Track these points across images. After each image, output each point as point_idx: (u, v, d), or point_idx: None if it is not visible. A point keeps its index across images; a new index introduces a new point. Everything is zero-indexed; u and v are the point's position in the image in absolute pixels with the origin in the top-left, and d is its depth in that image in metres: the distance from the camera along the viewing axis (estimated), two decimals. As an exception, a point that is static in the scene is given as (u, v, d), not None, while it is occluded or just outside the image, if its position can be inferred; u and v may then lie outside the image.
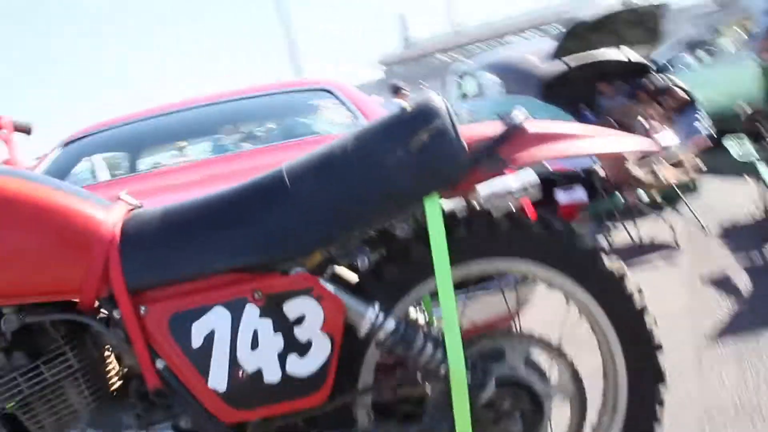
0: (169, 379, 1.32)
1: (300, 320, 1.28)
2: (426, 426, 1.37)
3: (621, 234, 4.65)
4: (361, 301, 1.32)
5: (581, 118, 5.37)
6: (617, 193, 4.67)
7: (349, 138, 1.35)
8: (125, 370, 1.48)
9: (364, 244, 1.33)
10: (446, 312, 1.29)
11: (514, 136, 1.36)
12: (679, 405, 2.21)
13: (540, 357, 1.48)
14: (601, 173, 4.62)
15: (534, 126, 1.39)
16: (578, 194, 5.71)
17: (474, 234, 1.41)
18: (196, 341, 1.29)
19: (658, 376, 1.49)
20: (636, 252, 4.35)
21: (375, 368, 1.43)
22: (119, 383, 1.45)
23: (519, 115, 1.39)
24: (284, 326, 1.28)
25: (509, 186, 1.74)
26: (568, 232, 1.44)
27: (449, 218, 1.42)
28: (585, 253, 1.43)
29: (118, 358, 1.48)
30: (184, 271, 1.30)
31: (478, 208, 1.47)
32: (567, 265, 1.43)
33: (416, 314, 1.43)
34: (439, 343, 1.33)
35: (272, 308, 1.28)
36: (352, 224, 1.30)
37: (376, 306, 1.32)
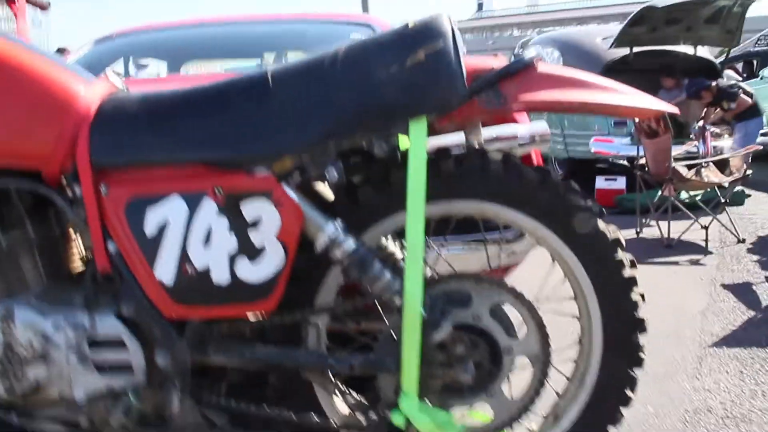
0: (119, 264, 1.28)
1: (256, 223, 1.22)
2: (373, 359, 1.31)
3: (652, 230, 4.49)
4: (323, 215, 1.26)
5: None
6: (657, 187, 4.50)
7: (345, 47, 1.27)
8: (84, 254, 1.45)
9: (339, 158, 1.26)
10: (411, 241, 1.21)
11: (520, 74, 1.26)
12: (668, 401, 2.13)
13: (512, 313, 1.40)
14: (644, 164, 4.45)
15: (545, 67, 1.28)
16: (617, 183, 5.57)
17: (462, 171, 1.32)
18: (150, 229, 1.25)
19: (634, 358, 1.39)
20: (664, 249, 4.19)
21: (336, 292, 1.38)
22: (77, 267, 1.42)
23: (531, 52, 1.29)
24: (240, 228, 1.23)
25: (516, 132, 1.66)
26: (564, 187, 1.34)
27: (440, 151, 1.34)
28: (577, 210, 1.33)
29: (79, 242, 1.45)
30: (150, 156, 1.26)
31: (475, 147, 1.39)
32: (556, 220, 1.33)
33: (386, 245, 1.36)
34: (400, 275, 1.26)
35: (230, 207, 1.23)
36: (329, 133, 1.23)
37: (338, 222, 1.25)
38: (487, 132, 1.57)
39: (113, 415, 1.28)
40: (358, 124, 1.23)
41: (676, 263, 3.85)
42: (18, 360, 1.31)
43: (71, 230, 1.43)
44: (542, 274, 1.48)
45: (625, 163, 6.02)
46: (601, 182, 5.64)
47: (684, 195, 4.78)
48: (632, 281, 1.36)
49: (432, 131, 1.25)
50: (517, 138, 1.43)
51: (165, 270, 1.25)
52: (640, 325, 1.38)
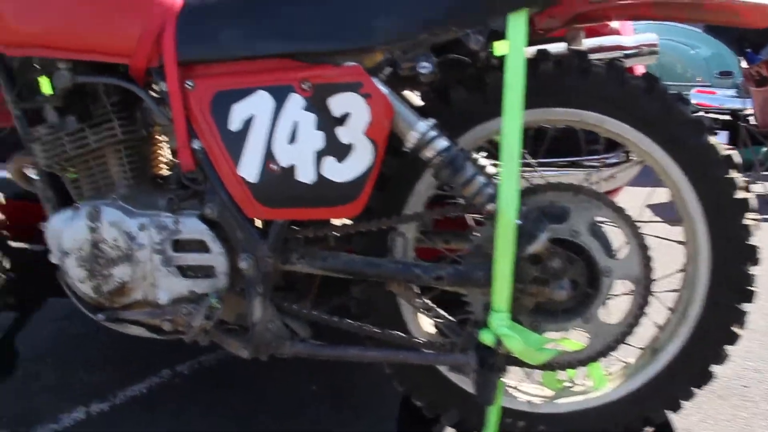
0: (203, 162, 1.25)
1: (344, 119, 1.16)
2: (462, 271, 1.23)
3: (756, 188, 4.20)
4: (414, 112, 1.18)
5: (745, 56, 4.81)
6: (765, 142, 4.20)
7: None
8: (170, 154, 1.44)
9: (432, 52, 1.17)
10: (507, 143, 1.12)
11: None
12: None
13: (613, 234, 1.29)
14: (751, 116, 4.15)
15: None
16: (719, 138, 5.25)
17: (562, 75, 1.22)
18: (235, 124, 1.21)
19: (743, 291, 1.27)
20: (764, 208, 3.92)
21: (425, 203, 1.30)
22: (163, 168, 1.40)
23: None
24: (327, 123, 1.17)
25: (621, 42, 1.53)
26: (672, 97, 1.22)
27: (539, 53, 1.24)
28: (686, 122, 1.21)
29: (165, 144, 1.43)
30: (236, 49, 1.21)
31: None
32: (662, 132, 1.21)
33: (477, 153, 1.27)
34: (494, 181, 1.18)
35: (318, 102, 1.16)
36: (423, 25, 1.14)
37: (430, 120, 1.17)
38: (590, 42, 1.45)
39: (195, 319, 1.25)
40: (454, 15, 1.14)
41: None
42: (105, 259, 1.31)
43: (157, 130, 1.41)
44: (646, 197, 1.37)
45: (729, 117, 5.67)
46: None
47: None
48: (744, 204, 1.23)
49: (531, 37, 1.15)
50: (622, 48, 1.30)
51: (249, 168, 1.21)
52: (751, 254, 1.25)
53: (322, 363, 1.66)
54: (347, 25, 1.16)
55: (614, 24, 1.62)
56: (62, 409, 1.85)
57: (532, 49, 1.24)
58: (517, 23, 1.13)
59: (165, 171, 1.41)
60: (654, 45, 1.54)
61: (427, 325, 1.37)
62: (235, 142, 1.21)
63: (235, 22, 1.20)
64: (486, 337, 1.20)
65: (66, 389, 1.94)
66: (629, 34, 1.65)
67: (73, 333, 2.27)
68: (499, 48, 1.24)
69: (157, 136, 1.41)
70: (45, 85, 1.35)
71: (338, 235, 1.29)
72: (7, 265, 1.58)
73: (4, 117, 1.46)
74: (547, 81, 1.22)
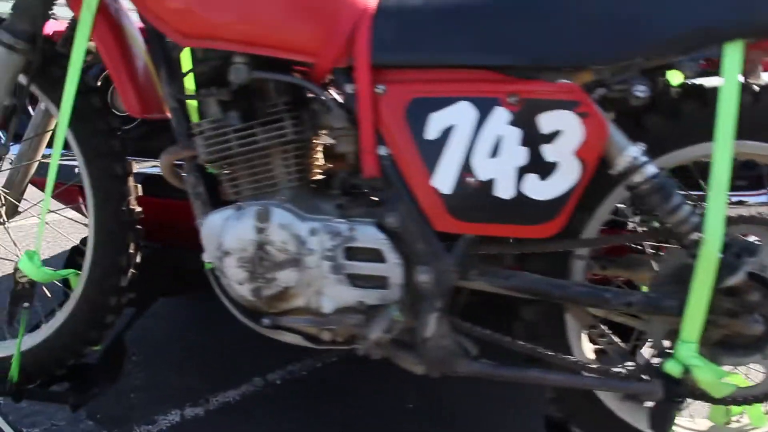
0: (388, 169, 1.21)
1: (553, 136, 1.12)
2: (653, 298, 1.20)
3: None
4: (624, 135, 1.15)
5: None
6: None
7: None
8: (332, 160, 1.39)
9: (642, 75, 1.15)
10: (717, 174, 1.09)
11: None
12: None
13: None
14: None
15: None
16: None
17: (760, 107, 1.19)
18: (432, 134, 1.17)
19: None
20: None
21: (600, 229, 1.27)
22: (330, 171, 1.36)
23: None
24: (533, 139, 1.13)
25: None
26: None
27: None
28: None
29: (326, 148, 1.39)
30: (437, 56, 1.17)
31: None
32: None
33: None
34: (696, 209, 1.15)
35: (526, 117, 1.13)
36: (641, 49, 1.11)
37: (640, 144, 1.14)
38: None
39: (372, 331, 1.20)
40: (673, 41, 1.11)
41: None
42: (270, 262, 1.26)
43: (320, 134, 1.36)
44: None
45: None
46: None
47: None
48: None
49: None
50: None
51: (444, 179, 1.17)
52: None
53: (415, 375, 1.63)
54: (561, 42, 1.12)
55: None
56: (156, 410, 1.79)
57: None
58: (733, 53, 1.10)
59: (319, 175, 1.36)
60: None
61: (589, 348, 1.34)
62: (431, 151, 1.17)
63: (441, 29, 1.16)
64: (672, 367, 1.16)
65: (157, 390, 1.88)
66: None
67: (158, 334, 2.20)
68: (673, 77, 1.22)
69: (314, 140, 1.36)
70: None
71: (518, 253, 1.25)
72: (137, 260, 1.52)
73: (148, 107, 1.41)
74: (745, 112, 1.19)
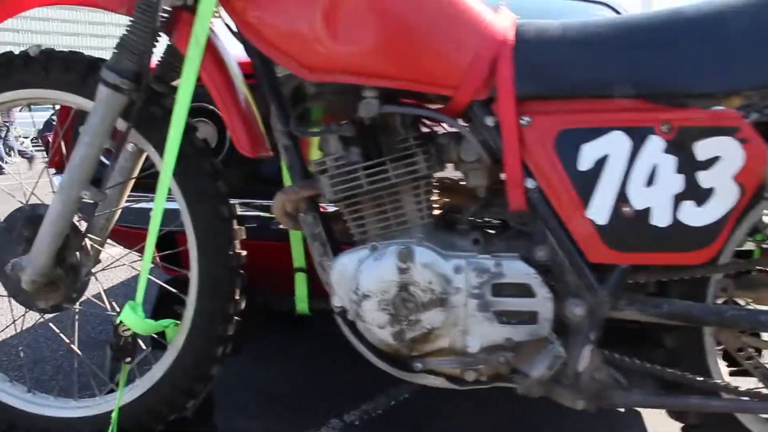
0: (536, 202, 1.19)
1: (710, 163, 1.13)
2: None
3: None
4: None
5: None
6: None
7: None
8: (450, 194, 1.37)
9: None
10: None
11: None
12: None
13: None
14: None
15: None
16: None
17: None
18: (584, 165, 1.16)
19: None
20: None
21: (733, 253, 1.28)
22: (461, 205, 1.33)
23: None
24: (689, 167, 1.14)
25: None
26: None
27: None
28: None
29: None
30: (583, 86, 1.17)
31: None
32: None
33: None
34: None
35: (681, 144, 1.13)
36: None
37: None
38: None
39: (535, 369, 1.18)
40: None
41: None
42: (414, 303, 1.22)
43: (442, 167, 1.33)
44: None
45: None
46: None
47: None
48: None
49: None
50: None
51: (599, 210, 1.16)
52: None
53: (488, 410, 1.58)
54: (708, 69, 1.14)
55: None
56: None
57: None
58: None
59: (462, 204, 1.33)
60: None
61: (725, 373, 1.34)
62: (585, 182, 1.16)
63: (587, 59, 1.16)
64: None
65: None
66: None
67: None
68: None
69: (447, 167, 1.34)
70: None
71: (667, 280, 1.24)
72: (243, 307, 1.46)
73: (257, 146, 1.37)
74: None
